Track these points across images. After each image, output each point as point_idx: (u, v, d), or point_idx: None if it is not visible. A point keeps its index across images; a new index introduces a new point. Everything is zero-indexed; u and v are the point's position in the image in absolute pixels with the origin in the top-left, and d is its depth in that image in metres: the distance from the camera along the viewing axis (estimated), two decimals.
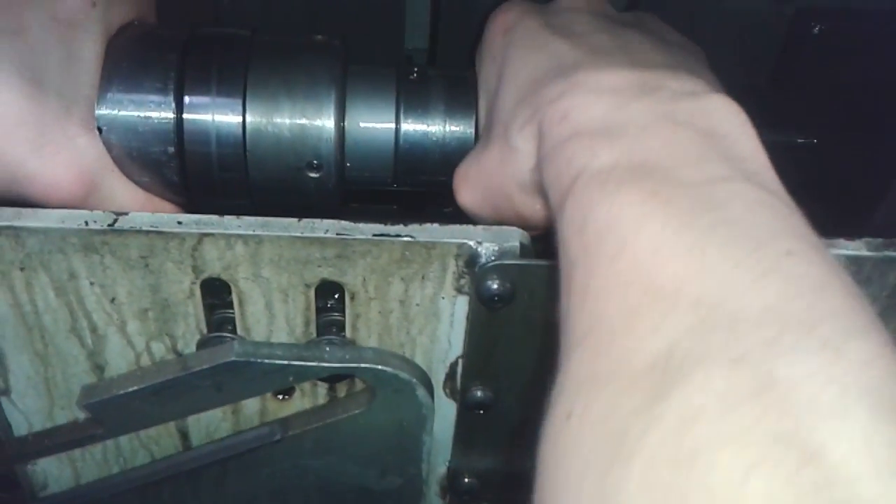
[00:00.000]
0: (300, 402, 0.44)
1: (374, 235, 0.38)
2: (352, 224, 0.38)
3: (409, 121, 0.44)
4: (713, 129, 0.31)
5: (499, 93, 0.40)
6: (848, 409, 0.21)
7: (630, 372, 0.24)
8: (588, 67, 0.36)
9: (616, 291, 0.26)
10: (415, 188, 0.47)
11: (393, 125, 0.44)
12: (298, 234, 0.37)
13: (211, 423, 0.45)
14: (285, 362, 0.37)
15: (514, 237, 0.39)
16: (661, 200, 0.27)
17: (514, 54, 0.40)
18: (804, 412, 0.21)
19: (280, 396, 0.43)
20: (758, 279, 0.24)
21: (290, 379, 0.38)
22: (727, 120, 0.31)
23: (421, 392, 0.39)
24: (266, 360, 0.37)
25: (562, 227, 0.30)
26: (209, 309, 0.41)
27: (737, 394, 0.22)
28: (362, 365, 0.38)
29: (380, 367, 0.38)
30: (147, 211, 0.43)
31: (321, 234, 0.37)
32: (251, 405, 0.43)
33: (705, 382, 0.22)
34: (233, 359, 0.37)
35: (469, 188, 0.42)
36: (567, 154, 0.32)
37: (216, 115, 0.42)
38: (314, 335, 0.41)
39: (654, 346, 0.24)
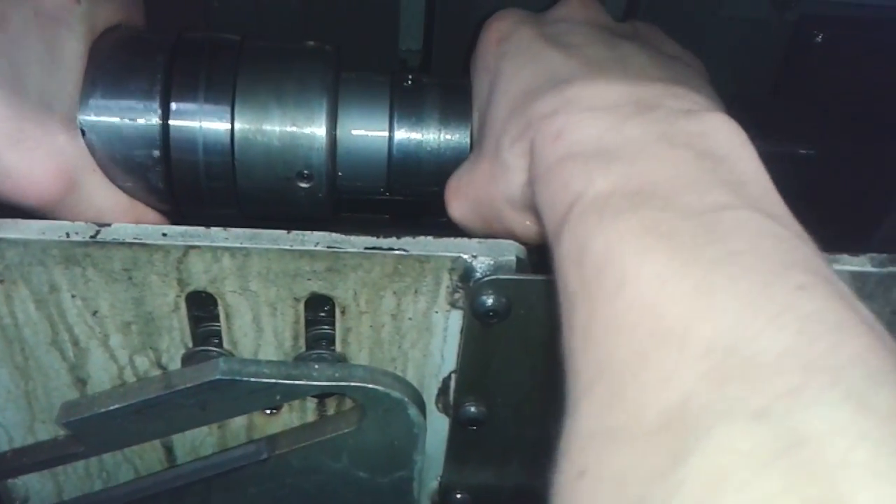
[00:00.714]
0: (288, 417, 0.43)
1: (366, 248, 0.37)
2: (343, 237, 0.37)
3: (403, 129, 0.43)
4: (711, 150, 0.29)
5: (490, 105, 0.39)
6: (881, 471, 0.19)
7: (644, 428, 0.22)
8: (582, 82, 0.34)
9: (620, 333, 0.25)
10: (409, 198, 0.46)
11: (386, 134, 0.43)
12: (287, 247, 0.36)
13: (196, 438, 0.43)
14: (272, 381, 0.36)
15: (511, 251, 0.38)
16: (662, 231, 0.26)
17: (507, 65, 0.39)
18: (837, 475, 0.19)
19: (268, 411, 0.42)
20: (772, 319, 0.23)
21: (278, 398, 0.37)
22: (726, 140, 0.30)
23: (412, 411, 0.38)
24: (252, 379, 0.36)
25: (559, 257, 0.29)
26: (195, 322, 0.39)
27: (763, 454, 0.20)
28: (352, 383, 0.37)
29: (370, 385, 0.37)
30: (129, 215, 0.42)
31: (311, 247, 0.36)
32: (238, 420, 0.42)
33: (727, 441, 0.20)
34: (218, 377, 0.35)
35: (459, 201, 0.41)
36: (563, 178, 0.30)
37: (204, 122, 0.40)
38: (303, 349, 0.40)
39: (666, 398, 0.22)
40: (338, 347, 0.40)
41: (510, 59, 0.39)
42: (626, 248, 0.26)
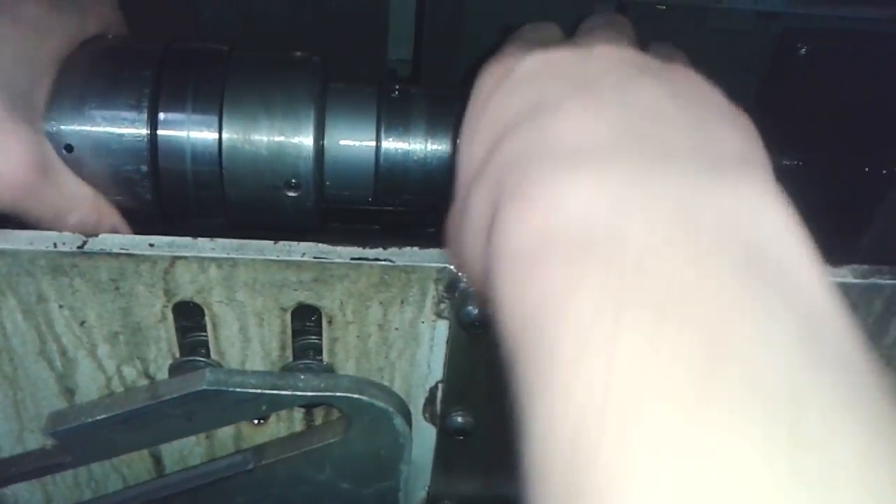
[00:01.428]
0: (276, 427, 0.43)
1: (352, 259, 0.37)
2: (329, 247, 0.37)
3: (390, 139, 0.43)
4: (750, 241, 0.21)
5: (474, 137, 0.32)
6: None
7: None
8: (568, 109, 0.26)
9: None
10: (396, 207, 0.46)
11: (373, 143, 0.43)
12: (274, 258, 0.37)
13: (185, 448, 0.43)
14: (258, 391, 0.36)
15: None
16: (698, 411, 0.17)
17: (497, 97, 0.32)
18: None
19: (255, 421, 0.42)
20: None
21: (264, 408, 0.37)
22: (767, 222, 0.22)
23: (398, 421, 0.38)
24: (238, 389, 0.36)
25: (529, 411, 0.21)
26: (182, 332, 0.39)
27: None
28: (338, 394, 0.37)
29: (356, 395, 0.37)
30: (95, 210, 0.41)
31: (298, 258, 0.36)
32: (225, 430, 0.42)
33: None
34: (204, 388, 0.36)
35: (448, 241, 0.36)
36: (532, 280, 0.22)
37: (192, 132, 0.41)
38: (290, 359, 0.40)
39: None
40: (325, 357, 0.40)
41: (503, 92, 0.31)
42: (638, 451, 0.18)
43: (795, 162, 0.46)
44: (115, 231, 0.42)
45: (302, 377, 0.37)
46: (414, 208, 0.45)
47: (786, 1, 0.52)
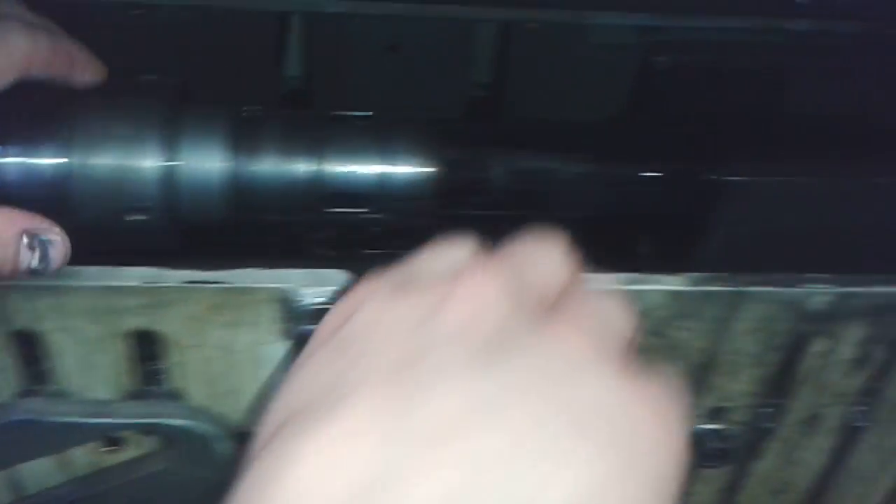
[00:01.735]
0: (134, 452, 0.42)
1: (185, 283, 0.37)
2: (160, 271, 0.37)
3: (241, 160, 0.43)
4: None
5: (275, 405, 0.24)
6: None
7: None
8: (325, 434, 0.20)
9: None
10: (258, 226, 0.46)
11: (224, 164, 0.43)
12: (106, 284, 0.36)
13: (47, 474, 0.43)
14: (79, 420, 0.36)
15: (336, 281, 0.38)
16: None
17: (316, 356, 0.25)
18: None
19: (109, 447, 0.42)
20: None
21: (88, 436, 0.37)
22: None
23: (226, 446, 0.38)
24: (57, 419, 0.36)
25: None
26: (27, 362, 0.39)
27: None
28: (163, 420, 0.37)
29: (178, 421, 0.37)
30: None
31: (128, 283, 0.36)
32: (82, 456, 0.42)
33: None
34: (14, 418, 0.35)
35: None
36: None
37: (35, 159, 0.41)
38: (138, 385, 0.40)
39: None
40: (172, 383, 0.40)
41: (323, 352, 0.25)
42: None
43: (656, 173, 0.46)
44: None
45: (128, 404, 0.37)
46: (269, 226, 0.45)
47: (654, 15, 0.53)
